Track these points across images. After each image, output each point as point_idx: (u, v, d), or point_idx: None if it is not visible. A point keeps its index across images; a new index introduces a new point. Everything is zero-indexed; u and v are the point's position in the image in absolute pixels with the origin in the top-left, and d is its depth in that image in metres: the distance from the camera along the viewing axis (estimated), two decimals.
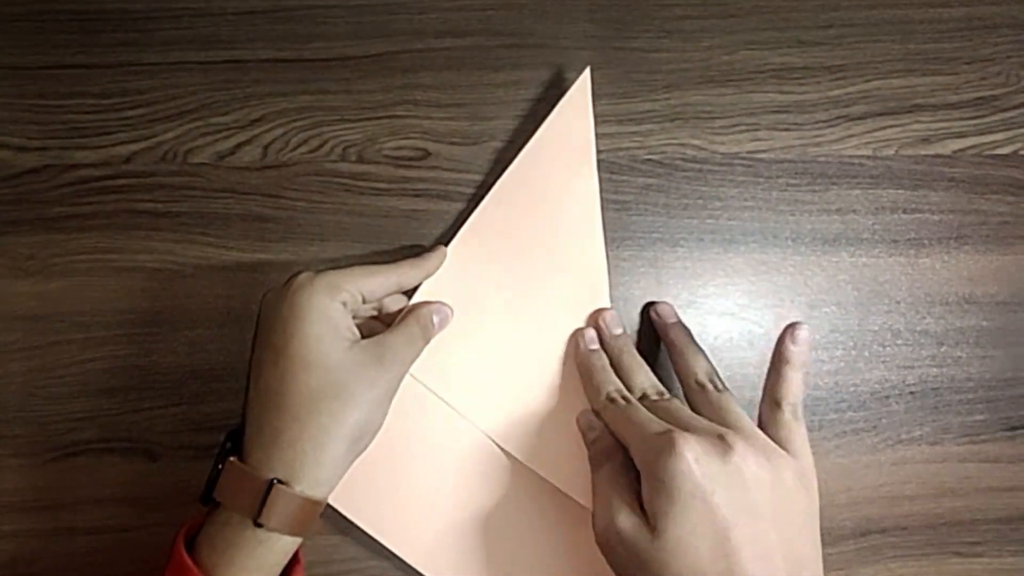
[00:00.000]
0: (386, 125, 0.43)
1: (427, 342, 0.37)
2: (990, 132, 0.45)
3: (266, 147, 0.43)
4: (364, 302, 0.36)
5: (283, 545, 0.32)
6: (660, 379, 0.38)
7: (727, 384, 0.37)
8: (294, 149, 0.43)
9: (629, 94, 0.44)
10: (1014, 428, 0.43)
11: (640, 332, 0.42)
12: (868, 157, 0.44)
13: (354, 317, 0.36)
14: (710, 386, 0.36)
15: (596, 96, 0.42)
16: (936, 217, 0.44)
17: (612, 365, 0.39)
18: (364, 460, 0.34)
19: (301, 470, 0.31)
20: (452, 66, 0.43)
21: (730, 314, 0.43)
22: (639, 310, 0.43)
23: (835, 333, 0.43)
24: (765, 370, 0.42)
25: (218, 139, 0.42)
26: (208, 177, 0.42)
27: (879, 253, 0.44)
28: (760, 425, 0.35)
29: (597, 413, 0.37)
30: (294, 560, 0.33)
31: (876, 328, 0.43)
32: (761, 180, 0.44)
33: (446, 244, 0.40)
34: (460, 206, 0.43)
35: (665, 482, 0.30)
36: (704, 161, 0.44)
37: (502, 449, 0.39)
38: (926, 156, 0.44)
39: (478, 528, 0.39)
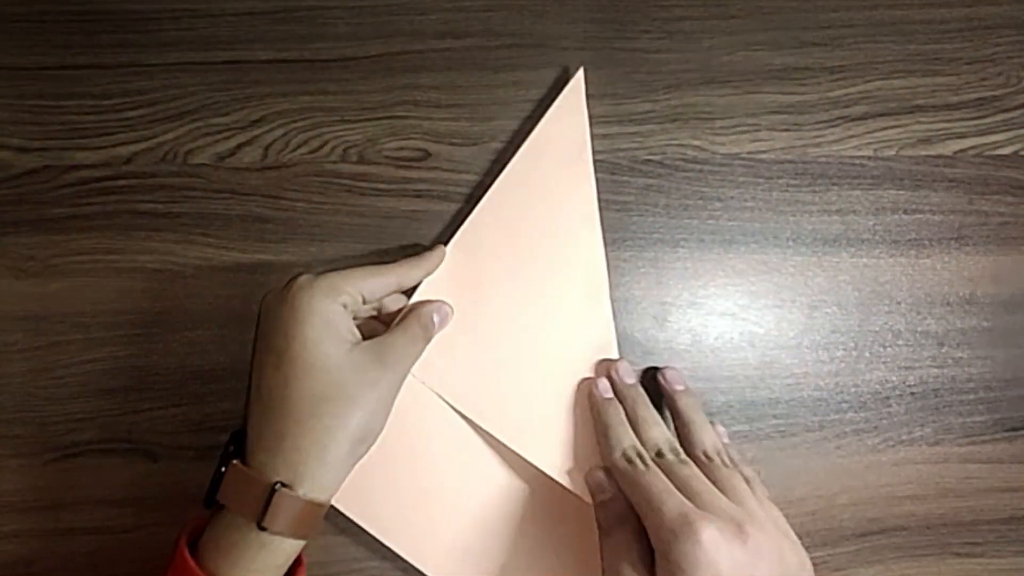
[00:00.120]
0: (386, 126, 0.43)
1: (428, 342, 0.37)
2: (991, 133, 0.45)
3: (266, 148, 0.42)
4: (364, 303, 0.36)
5: (286, 548, 0.32)
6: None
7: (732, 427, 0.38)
8: (294, 150, 0.43)
9: (629, 95, 0.44)
10: (1014, 429, 0.43)
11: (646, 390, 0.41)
12: (869, 158, 0.44)
13: (354, 318, 0.35)
14: (717, 460, 0.36)
15: (596, 97, 0.42)
16: (937, 218, 0.44)
17: (626, 417, 0.38)
18: (366, 460, 0.34)
19: (304, 473, 0.31)
20: (452, 67, 0.43)
21: (731, 314, 0.43)
22: (639, 311, 0.43)
23: (836, 334, 0.43)
24: (765, 371, 0.43)
25: (218, 140, 0.42)
26: (208, 178, 0.42)
27: (880, 254, 0.44)
28: None
29: (607, 470, 0.37)
30: (297, 562, 0.33)
31: (877, 329, 0.43)
32: (761, 181, 0.44)
33: (445, 244, 0.40)
34: (460, 206, 0.42)
35: (683, 568, 0.30)
36: (704, 162, 0.44)
37: (503, 448, 0.39)
38: (927, 157, 0.44)
39: (480, 527, 0.40)
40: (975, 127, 0.45)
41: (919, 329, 0.43)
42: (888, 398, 0.43)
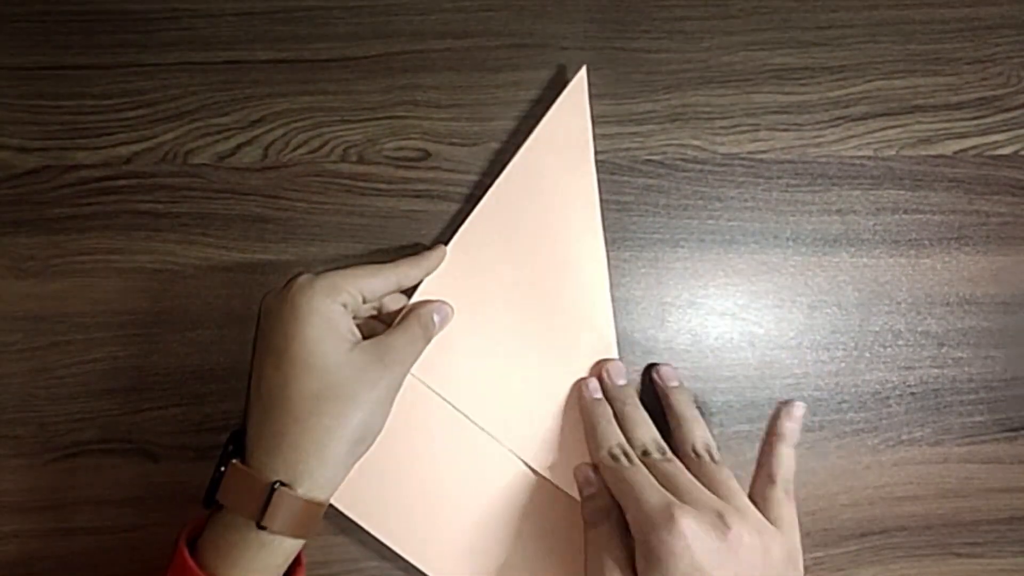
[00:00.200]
0: (386, 126, 0.43)
1: (428, 341, 0.37)
2: (991, 133, 0.45)
3: (266, 148, 0.42)
4: (364, 302, 0.36)
5: (286, 547, 0.32)
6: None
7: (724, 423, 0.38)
8: (294, 150, 0.43)
9: (629, 95, 0.44)
10: (1015, 429, 0.43)
11: (642, 389, 0.42)
12: (869, 158, 0.44)
13: (354, 317, 0.35)
14: (706, 456, 0.36)
15: (596, 97, 0.42)
16: (937, 218, 0.44)
17: (615, 416, 0.38)
18: (366, 460, 0.34)
19: (304, 472, 0.31)
20: (452, 67, 0.43)
21: (730, 314, 0.43)
22: (639, 311, 0.43)
23: (836, 334, 0.43)
24: (765, 371, 0.43)
25: (218, 140, 0.42)
26: (208, 178, 0.42)
27: (880, 254, 0.44)
28: (751, 496, 0.35)
29: (596, 467, 0.37)
30: (296, 562, 0.33)
31: (877, 329, 0.43)
32: (762, 181, 0.44)
33: (446, 244, 0.40)
34: (460, 206, 0.42)
35: (662, 558, 0.30)
36: (704, 162, 0.44)
37: (503, 447, 0.39)
38: (927, 157, 0.44)
39: (479, 526, 0.40)
40: (975, 127, 0.45)
41: (919, 329, 0.43)
42: (888, 398, 0.43)
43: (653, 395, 0.41)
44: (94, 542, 0.40)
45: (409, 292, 0.39)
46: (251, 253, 0.42)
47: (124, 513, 0.40)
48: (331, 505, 0.37)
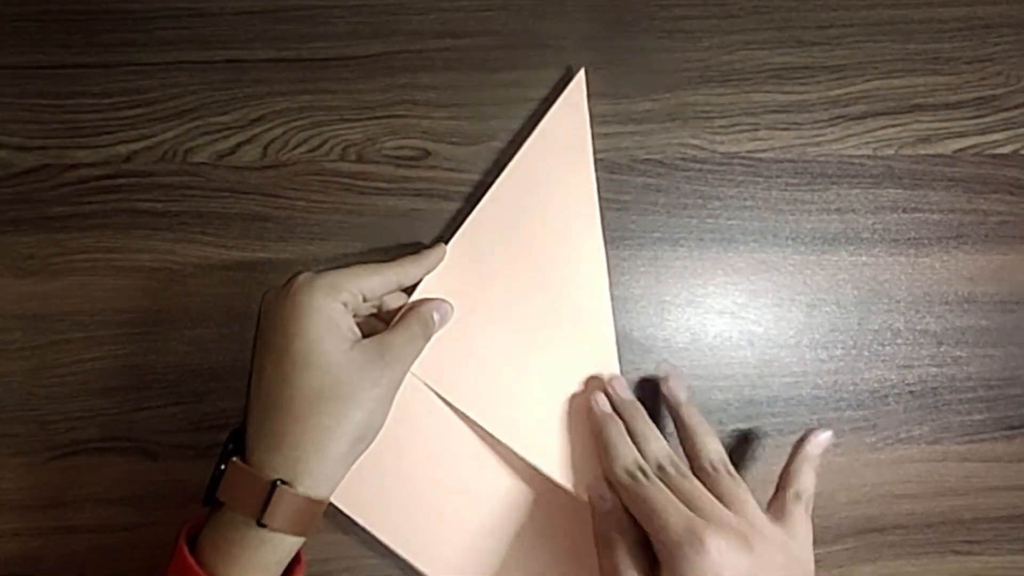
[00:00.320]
0: (386, 125, 0.43)
1: (428, 340, 0.37)
2: (990, 132, 0.45)
3: (266, 147, 0.43)
4: (364, 301, 0.36)
5: (286, 545, 0.32)
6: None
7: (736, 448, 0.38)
8: (294, 149, 0.43)
9: (629, 94, 0.44)
10: (1013, 427, 0.43)
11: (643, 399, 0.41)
12: (868, 157, 0.44)
13: (354, 316, 0.36)
14: (723, 470, 0.36)
15: (596, 96, 0.42)
16: (936, 217, 0.44)
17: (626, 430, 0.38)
18: (365, 458, 0.34)
19: (303, 470, 0.31)
20: (452, 66, 0.43)
21: (730, 313, 0.43)
22: (638, 309, 0.43)
23: (835, 332, 0.43)
24: (764, 369, 0.43)
25: (218, 139, 0.42)
26: (208, 177, 0.42)
27: (879, 252, 0.44)
28: (771, 509, 0.36)
29: (610, 483, 0.36)
30: (296, 559, 0.33)
31: (876, 327, 0.43)
32: (761, 180, 0.44)
33: (446, 243, 0.40)
34: (460, 206, 0.43)
35: None
36: (704, 161, 0.44)
37: (502, 446, 0.39)
38: (926, 156, 0.44)
39: (478, 525, 0.40)
40: (974, 126, 0.45)
41: (918, 328, 0.44)
42: (887, 396, 0.43)
43: (651, 396, 0.41)
44: (94, 540, 0.40)
45: (409, 291, 0.39)
46: (250, 252, 0.42)
47: (123, 511, 0.40)
48: (331, 503, 0.37)
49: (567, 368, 0.40)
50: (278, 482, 0.31)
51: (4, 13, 0.43)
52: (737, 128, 0.44)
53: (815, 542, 0.35)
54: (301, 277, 0.34)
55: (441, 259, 0.39)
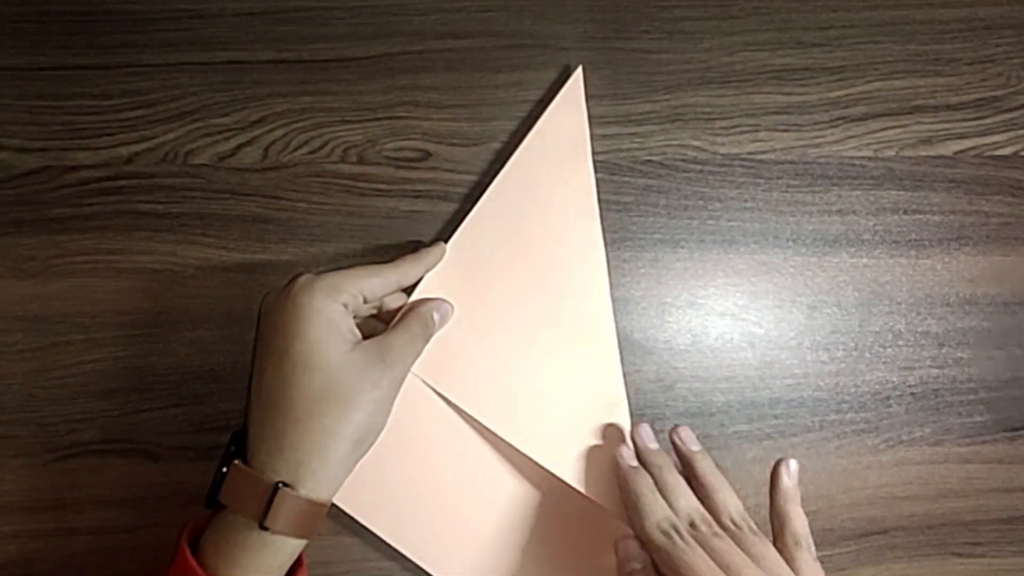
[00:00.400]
0: (386, 126, 0.43)
1: (428, 340, 0.37)
2: (991, 133, 0.45)
3: (266, 148, 0.42)
4: (365, 302, 0.36)
5: (288, 547, 0.32)
6: None
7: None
8: (294, 150, 0.43)
9: (629, 95, 0.44)
10: (1015, 429, 0.43)
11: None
12: (869, 158, 0.44)
13: (354, 317, 0.36)
14: (745, 527, 0.35)
15: (596, 97, 0.42)
16: (937, 218, 0.44)
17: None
18: (368, 458, 0.34)
19: (305, 473, 0.31)
20: (452, 67, 0.43)
21: (730, 315, 0.43)
22: (639, 311, 0.43)
23: (836, 334, 0.43)
24: (765, 371, 0.43)
25: (218, 140, 0.42)
26: (208, 178, 0.42)
27: (880, 254, 0.44)
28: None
29: (640, 540, 0.35)
30: (298, 562, 0.33)
31: (877, 329, 0.43)
32: (762, 181, 0.44)
33: (445, 242, 0.40)
34: (460, 206, 0.43)
35: None
36: (704, 162, 0.44)
37: (505, 445, 0.39)
38: (927, 157, 0.44)
39: (482, 524, 0.40)
40: (975, 127, 0.45)
41: (919, 329, 0.43)
42: (888, 398, 0.43)
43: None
44: (94, 542, 0.40)
45: (409, 290, 0.39)
46: (251, 253, 0.42)
47: (124, 513, 0.40)
48: (333, 504, 0.37)
49: (567, 367, 0.40)
50: (280, 484, 0.31)
51: (4, 14, 0.43)
52: (738, 129, 0.44)
53: (817, 544, 0.35)
54: (301, 279, 0.34)
55: (440, 258, 0.39)
